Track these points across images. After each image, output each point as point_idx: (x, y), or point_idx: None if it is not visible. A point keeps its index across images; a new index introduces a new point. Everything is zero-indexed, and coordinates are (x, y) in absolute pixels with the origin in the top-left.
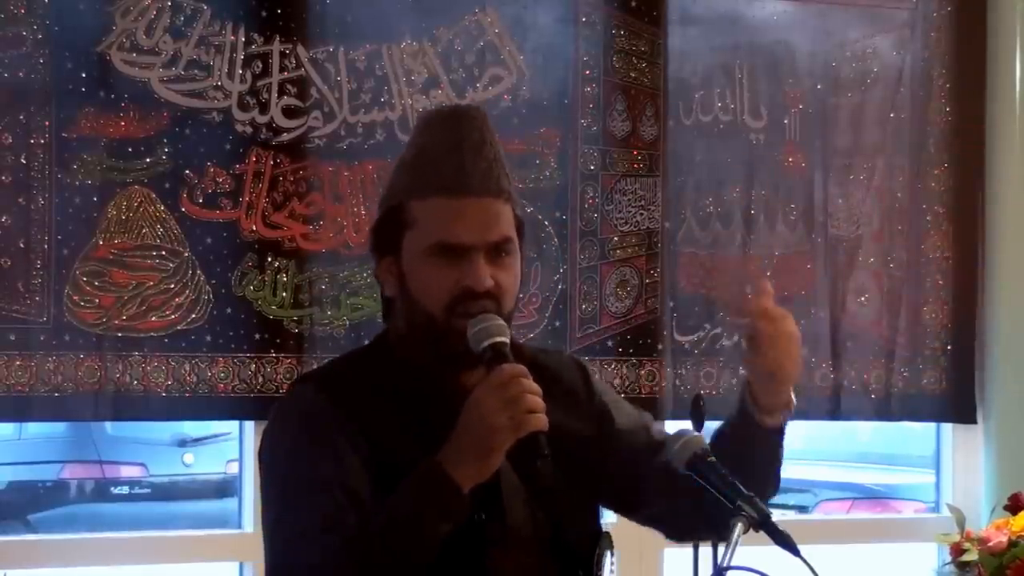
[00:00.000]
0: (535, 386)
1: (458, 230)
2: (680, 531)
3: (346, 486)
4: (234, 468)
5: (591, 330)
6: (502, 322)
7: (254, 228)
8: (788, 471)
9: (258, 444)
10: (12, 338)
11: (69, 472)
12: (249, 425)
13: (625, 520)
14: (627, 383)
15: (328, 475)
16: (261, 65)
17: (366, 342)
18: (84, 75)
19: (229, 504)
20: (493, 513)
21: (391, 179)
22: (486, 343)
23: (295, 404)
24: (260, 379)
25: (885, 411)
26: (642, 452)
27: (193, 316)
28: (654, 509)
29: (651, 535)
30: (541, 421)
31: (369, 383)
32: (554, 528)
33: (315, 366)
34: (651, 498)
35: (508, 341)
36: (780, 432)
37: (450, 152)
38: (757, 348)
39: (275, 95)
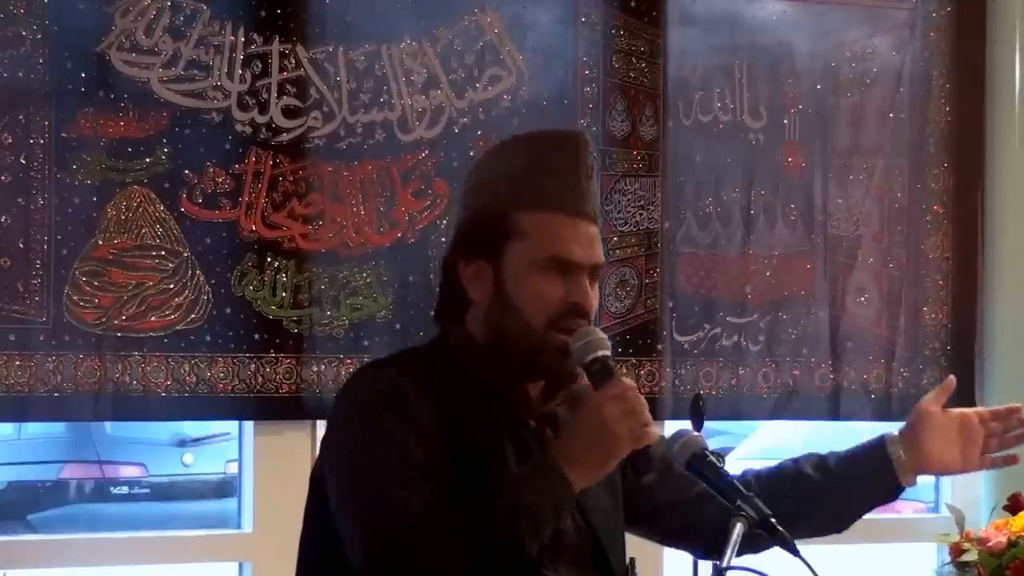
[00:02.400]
0: (644, 400)
1: (573, 248)
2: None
3: (444, 468)
4: (234, 468)
5: None
6: (606, 336)
7: (254, 228)
8: None
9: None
10: (12, 338)
11: (69, 472)
12: (248, 425)
13: None
14: None
15: (426, 456)
16: (260, 65)
17: (365, 342)
18: (84, 75)
19: (229, 504)
20: None
21: (490, 185)
22: (594, 355)
23: (379, 384)
24: (260, 379)
25: (885, 411)
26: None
27: (193, 316)
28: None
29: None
30: (656, 435)
31: (436, 378)
32: (595, 541)
33: (314, 366)
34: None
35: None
36: (898, 494)
37: (569, 173)
38: (983, 447)
39: (275, 95)
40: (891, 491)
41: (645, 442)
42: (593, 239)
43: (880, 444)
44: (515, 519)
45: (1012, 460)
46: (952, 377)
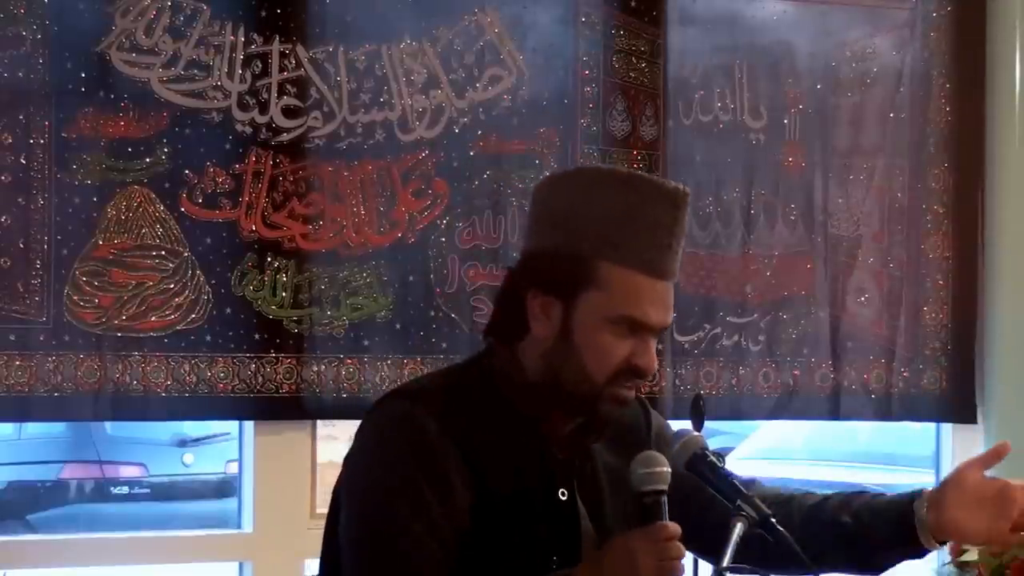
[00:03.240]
0: (683, 549)
1: (650, 312)
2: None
3: (458, 517)
4: (234, 468)
5: None
6: (669, 470)
7: (254, 228)
8: (788, 471)
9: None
10: (12, 338)
11: (69, 472)
12: (249, 425)
13: None
14: None
15: (439, 511)
16: (261, 65)
17: (365, 342)
18: (84, 75)
19: (229, 504)
20: (568, 559)
21: (577, 221)
22: (652, 487)
23: (403, 426)
24: (260, 379)
25: (885, 411)
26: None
27: (193, 316)
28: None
29: None
30: None
31: (470, 410)
32: None
33: (315, 366)
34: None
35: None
36: (924, 554)
37: (662, 231)
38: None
39: (275, 95)
40: (914, 550)
41: None
42: (668, 301)
43: (911, 499)
44: None
45: None
46: (1006, 442)
